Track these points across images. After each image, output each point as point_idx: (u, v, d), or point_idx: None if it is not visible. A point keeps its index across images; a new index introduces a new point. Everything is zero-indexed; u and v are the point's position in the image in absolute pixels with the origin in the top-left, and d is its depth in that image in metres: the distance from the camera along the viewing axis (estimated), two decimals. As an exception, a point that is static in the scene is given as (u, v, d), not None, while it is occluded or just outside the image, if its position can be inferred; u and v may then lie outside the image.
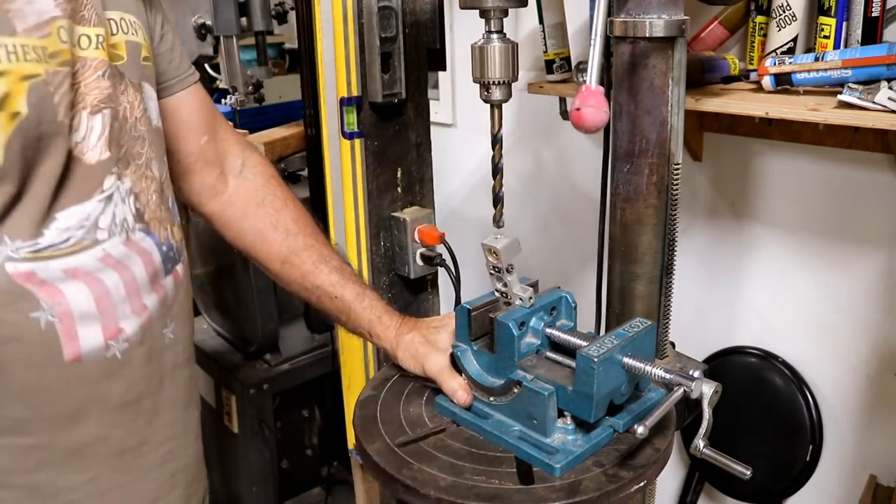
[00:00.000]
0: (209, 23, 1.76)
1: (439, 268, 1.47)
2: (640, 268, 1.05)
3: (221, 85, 1.94)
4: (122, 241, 0.82)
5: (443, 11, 1.45)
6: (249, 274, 1.87)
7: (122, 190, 0.82)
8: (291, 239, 1.06)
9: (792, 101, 1.26)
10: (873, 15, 1.28)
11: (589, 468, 0.81)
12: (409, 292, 1.52)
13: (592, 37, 0.83)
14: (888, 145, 1.43)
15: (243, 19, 1.77)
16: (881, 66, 1.17)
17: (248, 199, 1.08)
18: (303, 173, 1.97)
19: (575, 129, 0.80)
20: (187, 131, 1.02)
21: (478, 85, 0.90)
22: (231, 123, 1.84)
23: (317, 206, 1.64)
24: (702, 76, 1.39)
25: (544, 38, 1.57)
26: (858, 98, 1.15)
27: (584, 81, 0.80)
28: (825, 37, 1.31)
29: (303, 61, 1.61)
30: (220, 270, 2.03)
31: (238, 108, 1.99)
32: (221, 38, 1.78)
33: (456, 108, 2.26)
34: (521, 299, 0.90)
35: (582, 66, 1.54)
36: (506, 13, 0.88)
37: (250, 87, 1.98)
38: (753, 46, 1.44)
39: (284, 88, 2.20)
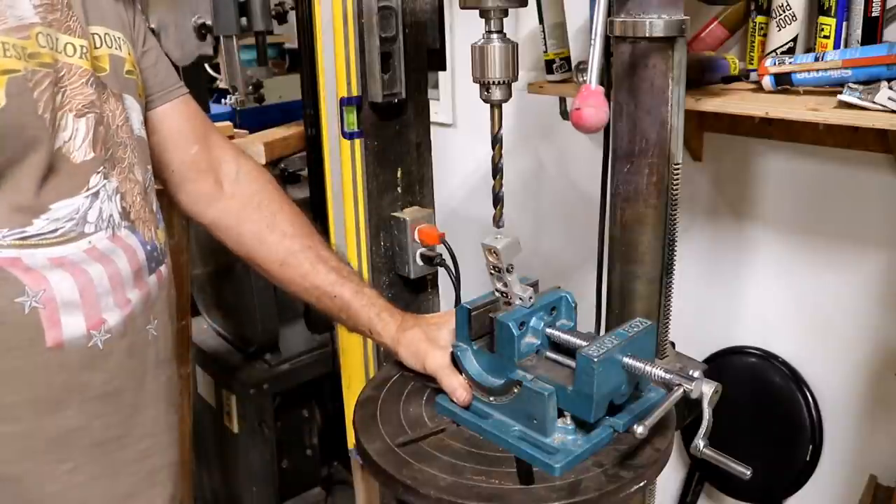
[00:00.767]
0: (209, 23, 1.76)
1: (439, 268, 1.47)
2: (640, 268, 1.05)
3: (221, 85, 1.93)
4: (108, 235, 0.86)
5: (443, 11, 1.45)
6: (249, 274, 1.87)
7: (108, 188, 0.86)
8: (288, 241, 1.08)
9: (792, 101, 1.26)
10: (873, 15, 1.28)
11: (589, 468, 0.81)
12: (409, 292, 1.52)
13: (592, 37, 0.83)
14: (888, 145, 1.43)
15: (243, 19, 1.76)
16: (881, 66, 1.17)
17: (243, 204, 1.10)
18: (303, 173, 1.97)
19: (575, 129, 0.80)
20: (176, 142, 1.05)
21: (478, 85, 0.90)
22: (230, 124, 1.86)
23: (317, 207, 1.64)
24: (702, 76, 1.39)
25: (544, 38, 1.57)
26: (858, 98, 1.15)
27: (584, 81, 0.80)
28: (825, 37, 1.31)
29: (303, 61, 1.61)
30: (220, 270, 2.03)
31: (238, 108, 1.99)
32: (221, 38, 1.78)
33: (456, 108, 2.26)
34: (521, 299, 0.90)
35: (582, 66, 1.54)
36: (506, 13, 0.88)
37: (250, 87, 1.98)
38: (753, 46, 1.44)
39: (284, 88, 2.20)
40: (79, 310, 0.82)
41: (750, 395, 1.73)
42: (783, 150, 1.61)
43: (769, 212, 1.67)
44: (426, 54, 1.43)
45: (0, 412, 0.80)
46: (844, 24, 1.30)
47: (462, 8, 0.89)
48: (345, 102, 1.36)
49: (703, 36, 1.53)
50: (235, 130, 1.85)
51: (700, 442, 0.80)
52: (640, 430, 0.75)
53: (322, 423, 2.19)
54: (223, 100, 2.01)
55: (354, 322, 1.06)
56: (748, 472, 0.80)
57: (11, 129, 0.76)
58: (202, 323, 2.19)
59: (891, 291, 1.53)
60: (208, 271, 2.08)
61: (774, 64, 1.28)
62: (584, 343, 0.84)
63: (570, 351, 0.88)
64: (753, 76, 1.39)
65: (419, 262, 1.45)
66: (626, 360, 0.81)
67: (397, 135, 1.44)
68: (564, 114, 1.70)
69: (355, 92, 1.36)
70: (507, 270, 0.88)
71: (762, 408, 1.72)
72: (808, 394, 1.68)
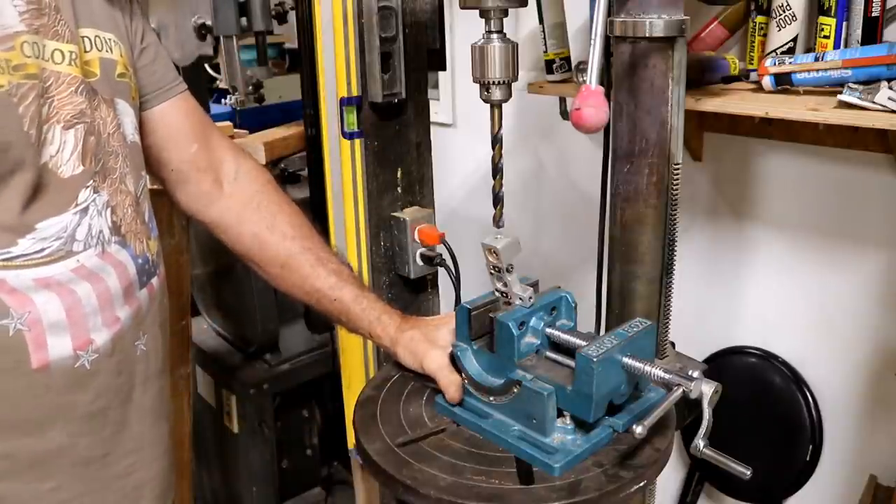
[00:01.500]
0: (209, 23, 1.76)
1: (439, 268, 1.47)
2: (640, 268, 1.05)
3: (221, 85, 1.94)
4: (98, 253, 0.83)
5: (443, 11, 1.45)
6: (249, 274, 1.86)
7: (98, 203, 0.84)
8: (289, 242, 1.07)
9: (792, 101, 1.26)
10: (873, 15, 1.28)
11: (589, 468, 0.81)
12: (409, 292, 1.52)
13: (592, 37, 0.83)
14: (888, 145, 1.43)
15: (243, 19, 1.76)
16: (881, 66, 1.17)
17: (243, 204, 1.09)
18: (303, 173, 1.97)
19: (575, 129, 0.80)
20: (176, 141, 1.03)
21: (478, 85, 0.90)
22: (230, 124, 1.86)
23: (317, 207, 1.64)
24: (702, 76, 1.39)
25: (544, 38, 1.57)
26: (858, 98, 1.15)
27: (584, 81, 0.80)
28: (825, 37, 1.31)
29: (303, 61, 1.61)
30: (220, 270, 2.03)
31: (238, 108, 1.99)
32: (221, 38, 1.78)
33: (456, 108, 2.26)
34: (521, 299, 0.90)
35: (582, 66, 1.54)
36: (506, 13, 0.88)
37: (250, 87, 1.98)
38: (753, 46, 1.44)
39: (284, 88, 2.20)
40: (65, 331, 0.80)
41: (750, 395, 1.73)
42: (783, 150, 1.61)
43: (769, 212, 1.67)
44: (426, 54, 1.43)
45: None
46: (844, 24, 1.30)
47: (462, 8, 0.89)
48: (345, 102, 1.36)
49: (703, 36, 1.53)
50: (235, 130, 1.85)
51: (700, 442, 0.80)
52: (639, 430, 0.75)
53: (322, 423, 2.19)
54: (223, 100, 2.01)
55: (354, 325, 1.05)
56: (748, 472, 0.80)
57: None
58: (202, 323, 2.19)
59: (891, 291, 1.53)
60: (208, 271, 2.08)
61: (774, 64, 1.28)
62: (584, 343, 0.84)
63: (569, 351, 0.88)
64: (753, 76, 1.39)
65: (419, 262, 1.45)
66: (625, 360, 0.81)
67: (397, 135, 1.44)
68: (564, 114, 1.70)
69: (355, 92, 1.36)
70: (507, 270, 0.88)
71: (762, 408, 1.72)
72: (808, 394, 1.67)
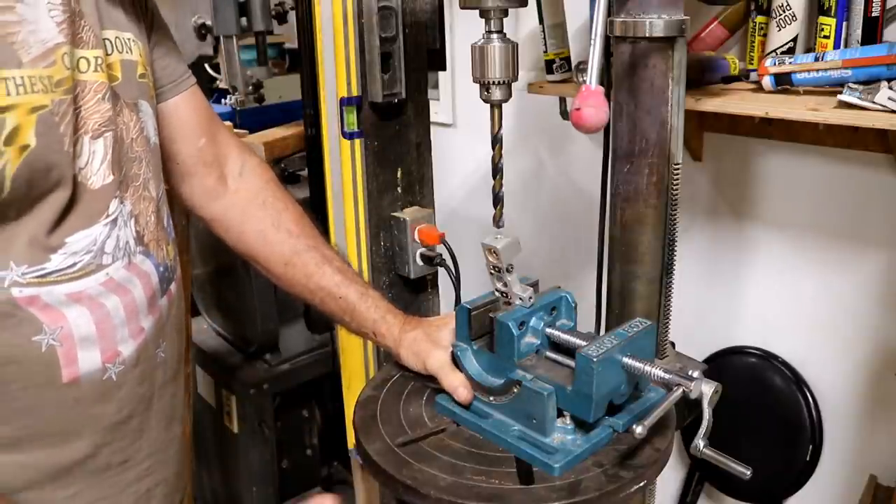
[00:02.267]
0: (209, 23, 1.76)
1: (439, 268, 1.47)
2: (640, 268, 1.05)
3: (221, 85, 1.94)
4: (125, 264, 0.83)
5: (443, 11, 1.45)
6: (249, 274, 1.87)
7: (123, 213, 0.83)
8: (294, 240, 1.06)
9: (792, 101, 1.26)
10: (873, 15, 1.28)
11: (589, 468, 0.81)
12: (409, 292, 1.52)
13: (592, 37, 0.83)
14: (888, 145, 1.43)
15: (243, 19, 1.77)
16: (881, 66, 1.17)
17: (248, 201, 1.08)
18: (303, 173, 1.97)
19: (575, 129, 0.80)
20: (185, 135, 1.02)
21: (478, 85, 0.90)
22: (230, 124, 1.86)
23: (317, 206, 1.64)
24: (702, 76, 1.39)
25: (544, 38, 1.57)
26: (858, 98, 1.15)
27: (584, 81, 0.80)
28: (825, 37, 1.31)
29: (303, 61, 1.61)
30: (220, 270, 2.03)
31: (238, 108, 1.99)
32: (221, 38, 1.78)
33: (456, 108, 2.26)
34: (521, 299, 0.90)
35: (582, 66, 1.54)
36: (506, 13, 0.88)
37: (250, 87, 1.98)
38: (753, 46, 1.44)
39: (284, 88, 2.20)
40: (95, 344, 0.80)
41: (750, 395, 1.73)
42: (783, 150, 1.61)
43: (769, 212, 1.67)
44: (426, 54, 1.43)
45: (11, 446, 0.78)
46: (844, 24, 1.30)
47: (462, 8, 0.89)
48: (345, 102, 1.36)
49: (703, 36, 1.53)
50: (235, 130, 1.85)
51: (700, 442, 0.80)
52: (639, 430, 0.75)
53: (322, 423, 2.19)
54: (223, 100, 2.01)
55: (358, 324, 1.05)
56: (748, 472, 0.80)
57: (39, 171, 0.72)
58: (202, 323, 2.19)
59: (891, 291, 1.53)
60: (208, 271, 2.08)
61: (774, 64, 1.28)
62: (584, 343, 0.84)
63: (569, 351, 0.88)
64: (753, 76, 1.39)
65: (419, 262, 1.45)
66: (625, 360, 0.81)
67: (397, 135, 1.44)
68: (564, 114, 1.69)
69: (355, 92, 1.36)
70: (507, 270, 0.88)
71: (762, 408, 1.72)
72: (808, 394, 1.67)
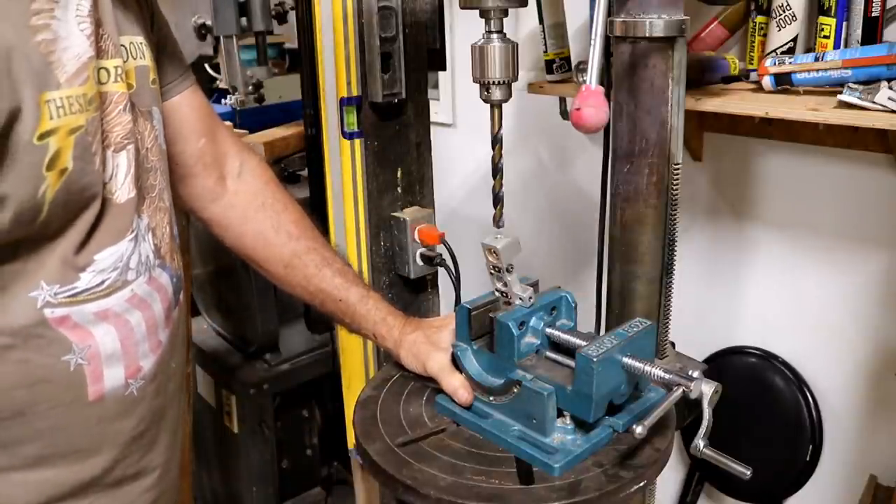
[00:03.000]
0: (209, 23, 1.76)
1: (439, 268, 1.47)
2: (640, 268, 1.05)
3: (221, 85, 1.94)
4: (146, 279, 0.82)
5: (443, 11, 1.45)
6: (249, 274, 1.87)
7: (142, 227, 0.82)
8: (294, 242, 1.06)
9: (792, 101, 1.26)
10: (873, 15, 1.28)
11: (589, 468, 0.81)
12: (409, 292, 1.52)
13: (592, 37, 0.83)
14: (888, 145, 1.43)
15: (243, 19, 1.77)
16: (881, 66, 1.17)
17: (248, 202, 1.07)
18: (303, 173, 1.97)
19: (575, 129, 0.80)
20: (185, 135, 1.00)
21: (478, 85, 0.90)
22: (230, 124, 1.86)
23: (317, 207, 1.64)
24: (702, 76, 1.39)
25: (544, 38, 1.57)
26: (858, 98, 1.15)
27: (584, 81, 0.80)
28: (825, 37, 1.31)
29: (303, 61, 1.61)
30: (220, 270, 2.03)
31: (238, 108, 1.99)
32: (221, 38, 1.78)
33: (456, 108, 2.26)
34: (521, 299, 0.90)
35: (582, 66, 1.54)
36: (506, 13, 0.88)
37: (250, 87, 1.98)
38: (753, 46, 1.44)
39: (284, 88, 2.20)
40: (119, 361, 0.79)
41: (750, 395, 1.73)
42: (783, 150, 1.61)
43: (769, 212, 1.67)
44: (426, 54, 1.43)
45: (36, 464, 0.77)
46: (844, 24, 1.30)
47: (462, 8, 0.89)
48: (345, 102, 1.36)
49: (703, 36, 1.53)
50: (235, 130, 1.85)
51: (700, 442, 0.80)
52: (639, 430, 0.75)
53: (322, 423, 2.19)
54: (223, 100, 2.01)
55: (358, 326, 1.05)
56: (748, 472, 0.80)
57: (75, 193, 0.71)
58: (202, 323, 2.19)
59: (891, 291, 1.53)
60: (208, 271, 2.08)
61: (774, 64, 1.28)
62: (584, 343, 0.84)
63: (569, 351, 0.88)
64: (753, 76, 1.39)
65: (419, 262, 1.45)
66: (625, 360, 0.81)
67: (397, 135, 1.44)
68: (564, 114, 1.70)
69: (355, 92, 1.36)
70: (507, 270, 0.88)
71: (762, 408, 1.72)
72: (808, 394, 1.67)
